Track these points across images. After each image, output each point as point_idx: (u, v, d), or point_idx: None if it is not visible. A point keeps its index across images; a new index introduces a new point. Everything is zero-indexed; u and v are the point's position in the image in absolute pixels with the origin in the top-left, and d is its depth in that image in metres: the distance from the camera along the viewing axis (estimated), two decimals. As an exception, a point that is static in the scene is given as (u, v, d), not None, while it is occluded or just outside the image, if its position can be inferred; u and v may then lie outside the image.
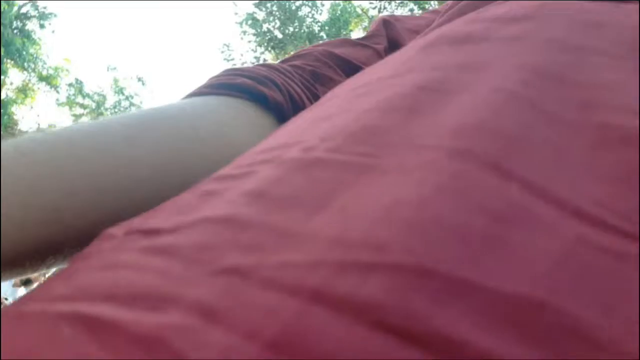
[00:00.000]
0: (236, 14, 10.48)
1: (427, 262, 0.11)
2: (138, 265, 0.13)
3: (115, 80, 11.42)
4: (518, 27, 0.21)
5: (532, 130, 0.15)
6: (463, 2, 0.30)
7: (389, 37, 0.40)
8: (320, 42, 0.38)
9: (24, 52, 10.12)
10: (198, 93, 0.29)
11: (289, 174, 0.15)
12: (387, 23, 0.40)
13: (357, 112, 0.18)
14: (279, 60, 0.35)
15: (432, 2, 9.31)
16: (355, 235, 0.12)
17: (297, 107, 0.30)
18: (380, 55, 0.38)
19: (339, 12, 10.60)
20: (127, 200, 0.22)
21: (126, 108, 11.22)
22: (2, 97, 9.93)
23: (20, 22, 9.91)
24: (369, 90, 0.20)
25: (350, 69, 0.35)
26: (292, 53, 0.37)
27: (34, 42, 10.25)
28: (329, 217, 0.13)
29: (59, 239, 0.21)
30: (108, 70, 11.33)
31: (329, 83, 0.34)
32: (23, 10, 9.84)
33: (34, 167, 0.21)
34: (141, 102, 11.48)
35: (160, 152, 0.24)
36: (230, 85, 0.29)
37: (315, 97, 0.32)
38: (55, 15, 10.10)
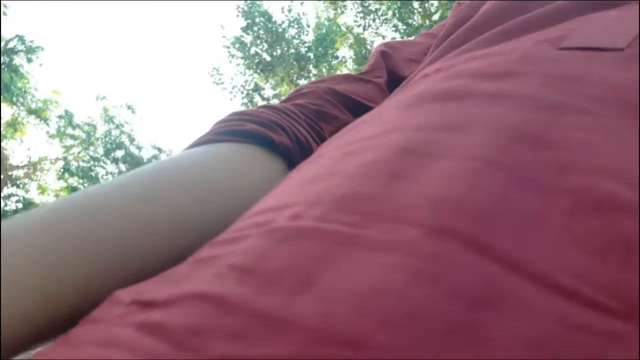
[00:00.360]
0: (224, 37, 10.53)
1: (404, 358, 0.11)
2: (134, 344, 0.14)
3: (105, 110, 11.41)
4: (497, 85, 0.21)
5: (508, 201, 0.15)
6: (453, 35, 0.30)
7: (389, 68, 0.40)
8: (324, 77, 0.38)
9: (12, 87, 10.11)
10: (208, 140, 0.30)
11: (275, 247, 0.16)
12: (385, 54, 0.41)
13: (341, 177, 0.18)
14: (282, 100, 0.36)
15: (415, 17, 9.44)
16: (335, 329, 0.12)
17: (303, 149, 0.31)
18: (381, 89, 0.38)
19: (324, 31, 10.71)
20: (149, 257, 0.23)
21: (117, 137, 11.19)
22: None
23: (8, 57, 9.92)
24: (354, 149, 0.20)
25: (353, 105, 0.36)
26: (297, 88, 0.38)
27: (22, 77, 10.25)
28: (312, 301, 0.13)
29: (88, 306, 0.22)
30: (97, 99, 11.32)
31: (333, 121, 0.35)
32: (10, 45, 9.86)
33: (63, 241, 0.22)
34: (132, 130, 11.46)
35: (178, 208, 0.25)
36: (240, 132, 0.30)
37: (319, 136, 0.33)
38: (42, 49, 10.12)
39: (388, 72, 0.40)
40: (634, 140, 0.16)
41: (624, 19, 0.23)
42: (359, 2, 10.27)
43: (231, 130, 0.30)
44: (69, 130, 11.29)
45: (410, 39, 0.46)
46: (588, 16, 0.24)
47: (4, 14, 9.46)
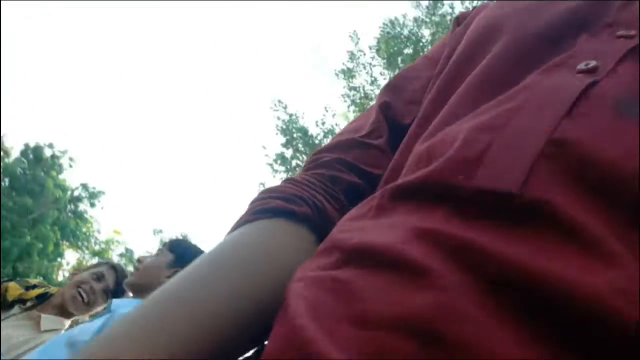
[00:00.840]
0: (266, 155, 11.12)
1: None
2: None
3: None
4: None
5: None
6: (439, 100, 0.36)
7: (390, 121, 0.44)
8: (333, 144, 0.44)
9: (78, 232, 10.73)
10: (245, 221, 0.36)
11: None
12: (386, 107, 0.44)
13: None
14: (302, 169, 0.43)
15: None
16: None
17: (321, 213, 0.37)
18: (382, 150, 0.42)
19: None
20: (223, 330, 0.28)
21: (176, 266, 11.38)
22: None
23: (73, 204, 10.67)
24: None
25: (359, 171, 0.42)
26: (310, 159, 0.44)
27: (86, 221, 10.91)
28: None
29: None
30: (154, 233, 11.81)
31: (344, 184, 0.40)
32: (75, 193, 10.66)
33: (169, 336, 0.26)
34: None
35: (239, 287, 0.30)
36: (267, 209, 0.36)
37: (334, 198, 0.39)
38: (103, 193, 10.91)
39: (390, 125, 0.44)
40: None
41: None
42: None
43: (261, 209, 0.36)
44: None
45: (413, 65, 0.49)
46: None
47: (70, 166, 10.41)
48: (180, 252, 1.54)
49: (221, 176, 32.47)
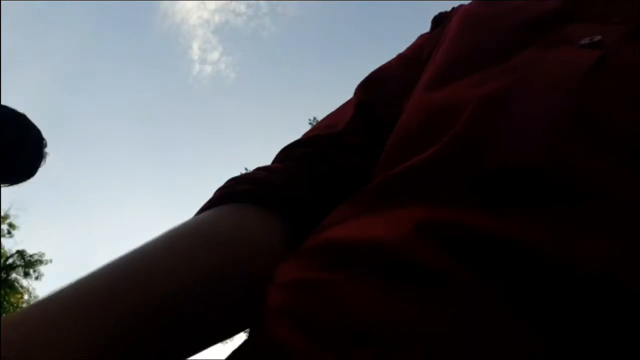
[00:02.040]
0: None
1: None
2: None
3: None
4: None
5: None
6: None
7: (368, 119, 0.40)
8: (307, 137, 0.41)
9: (5, 302, 10.16)
10: (207, 207, 0.33)
11: None
12: (364, 106, 0.41)
13: None
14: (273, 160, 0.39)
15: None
16: None
17: (295, 201, 0.34)
18: (358, 150, 0.38)
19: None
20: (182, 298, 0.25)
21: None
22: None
23: (5, 273, 10.21)
24: None
25: (333, 167, 0.38)
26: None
27: (15, 291, 10.39)
28: None
29: None
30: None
31: (317, 178, 0.36)
32: (10, 261, 10.26)
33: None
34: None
35: (199, 264, 0.27)
36: (232, 194, 0.33)
37: (309, 188, 0.35)
38: (41, 262, 10.52)
39: (370, 122, 0.40)
40: None
41: None
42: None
43: (225, 194, 0.33)
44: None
45: (388, 63, 0.46)
46: None
47: (9, 232, 10.09)
48: None
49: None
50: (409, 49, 0.47)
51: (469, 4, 0.42)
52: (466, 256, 0.18)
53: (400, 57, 0.46)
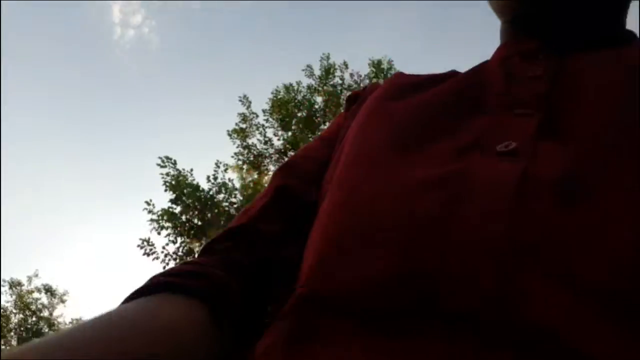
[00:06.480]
0: (150, 212, 10.53)
1: None
2: None
3: (20, 297, 10.25)
4: None
5: None
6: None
7: (288, 201, 0.41)
8: (224, 231, 0.41)
9: None
10: (124, 301, 0.32)
11: None
12: (282, 189, 0.42)
13: None
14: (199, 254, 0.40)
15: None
16: None
17: (222, 287, 0.34)
18: (271, 235, 0.39)
19: (250, 192, 11.22)
20: None
21: (35, 324, 9.85)
22: None
23: None
24: None
25: (250, 259, 0.39)
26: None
27: None
28: None
29: None
30: (11, 287, 10.22)
31: (238, 271, 0.37)
32: None
33: None
34: (51, 315, 10.19)
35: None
36: (149, 287, 0.33)
37: (234, 277, 0.36)
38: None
39: (290, 204, 0.41)
40: None
41: None
42: (279, 162, 11.17)
43: (141, 288, 0.33)
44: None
45: (309, 145, 0.48)
46: None
47: None
48: None
49: (100, 230, 28.93)
50: (327, 130, 0.48)
51: (380, 89, 0.43)
52: None
53: (321, 138, 0.48)
